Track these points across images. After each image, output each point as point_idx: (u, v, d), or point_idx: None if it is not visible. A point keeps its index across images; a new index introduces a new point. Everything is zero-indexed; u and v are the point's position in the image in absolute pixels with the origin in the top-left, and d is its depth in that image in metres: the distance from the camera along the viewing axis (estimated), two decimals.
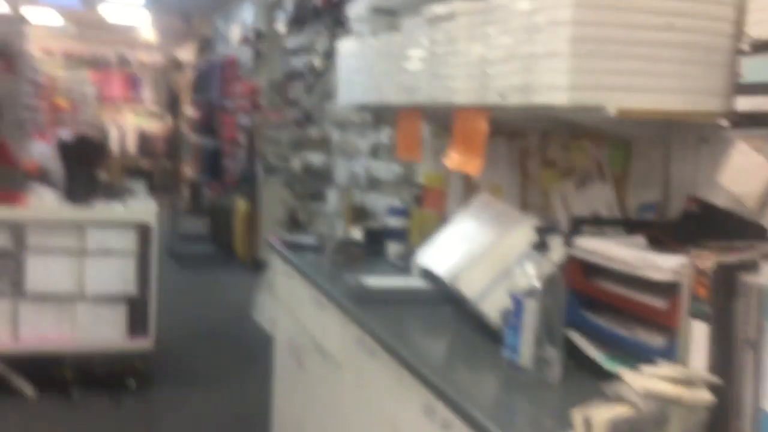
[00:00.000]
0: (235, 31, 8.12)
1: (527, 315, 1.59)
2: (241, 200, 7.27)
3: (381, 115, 3.60)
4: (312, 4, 4.73)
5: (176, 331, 4.82)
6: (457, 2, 2.01)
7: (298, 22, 5.21)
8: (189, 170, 11.33)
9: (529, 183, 2.49)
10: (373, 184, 3.77)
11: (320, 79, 4.59)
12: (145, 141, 13.57)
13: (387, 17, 2.74)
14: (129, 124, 13.61)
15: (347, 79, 3.05)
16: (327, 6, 4.43)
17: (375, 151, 3.79)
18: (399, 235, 2.90)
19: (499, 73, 1.82)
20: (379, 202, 3.61)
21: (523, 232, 2.00)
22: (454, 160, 2.20)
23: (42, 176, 3.84)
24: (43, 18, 10.60)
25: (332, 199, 4.29)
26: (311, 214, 4.81)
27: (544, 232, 1.66)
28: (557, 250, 1.69)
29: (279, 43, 6.18)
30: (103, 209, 3.69)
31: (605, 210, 2.09)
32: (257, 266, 6.87)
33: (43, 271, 3.60)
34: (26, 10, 10.29)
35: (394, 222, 2.91)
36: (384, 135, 3.51)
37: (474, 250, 2.09)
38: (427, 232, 3.13)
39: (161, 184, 12.81)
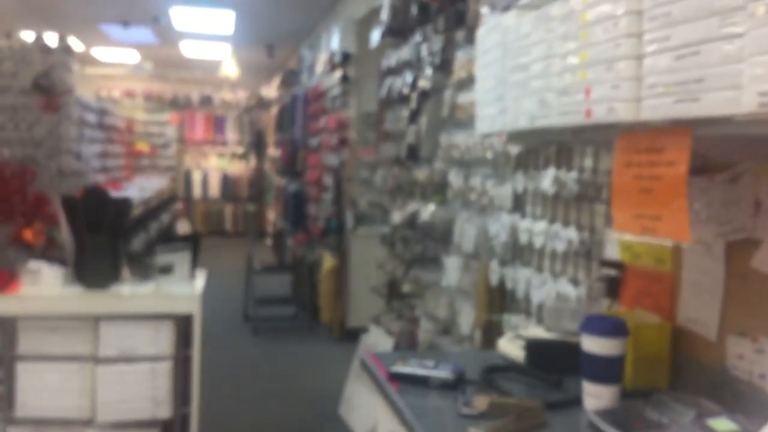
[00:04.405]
0: (322, 58, 7.05)
1: None
2: (327, 254, 6.08)
3: (539, 146, 2.30)
4: (418, 4, 3.51)
5: None
6: None
7: (396, 32, 4.01)
8: (273, 215, 10.35)
9: None
10: (523, 253, 2.45)
11: (429, 100, 3.34)
12: (228, 184, 12.81)
13: None
14: (212, 167, 12.90)
15: (494, 90, 1.77)
16: (440, 1, 3.19)
17: (519, 203, 2.49)
18: (606, 370, 1.57)
19: None
20: (538, 286, 2.28)
21: None
22: None
23: (49, 247, 2.75)
24: (119, 56, 10.00)
25: (452, 269, 2.99)
26: (419, 286, 3.52)
27: None
28: None
29: (372, 64, 5.01)
30: (126, 295, 2.55)
31: None
32: (346, 336, 5.66)
33: (40, 387, 2.48)
34: (100, 50, 9.71)
35: (593, 345, 1.58)
36: (546, 179, 2.20)
37: None
38: (645, 353, 1.78)
39: (243, 231, 11.93)
